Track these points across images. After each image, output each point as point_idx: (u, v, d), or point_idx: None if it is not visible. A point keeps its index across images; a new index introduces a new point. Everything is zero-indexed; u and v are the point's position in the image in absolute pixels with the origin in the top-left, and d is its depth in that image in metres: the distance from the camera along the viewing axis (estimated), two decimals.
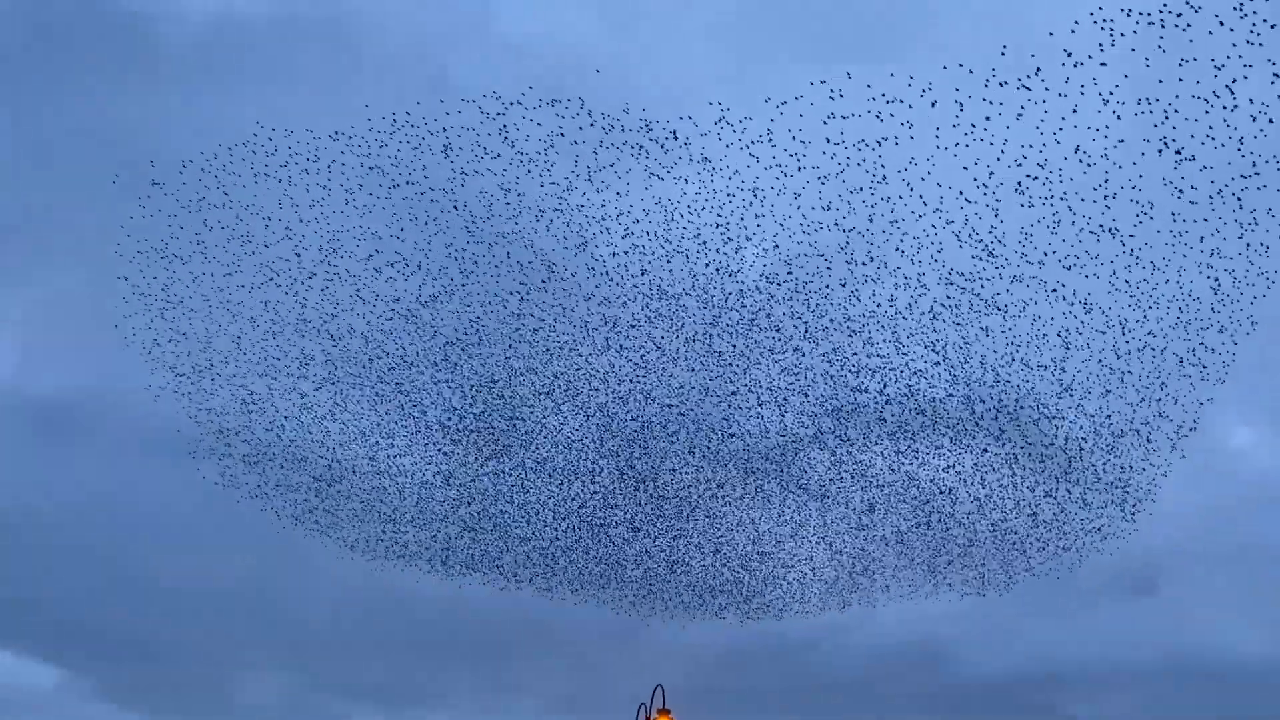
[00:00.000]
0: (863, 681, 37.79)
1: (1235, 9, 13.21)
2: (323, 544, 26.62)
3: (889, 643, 34.96)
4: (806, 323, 19.75)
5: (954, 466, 21.78)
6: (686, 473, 23.38)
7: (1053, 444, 20.19)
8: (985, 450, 21.08)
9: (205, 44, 24.37)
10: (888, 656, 36.13)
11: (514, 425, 24.41)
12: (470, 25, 23.95)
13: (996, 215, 17.58)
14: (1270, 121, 14.31)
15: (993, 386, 20.13)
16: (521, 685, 39.40)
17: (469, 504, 24.81)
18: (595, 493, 23.98)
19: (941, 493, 23.21)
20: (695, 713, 23.58)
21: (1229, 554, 34.44)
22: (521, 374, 23.20)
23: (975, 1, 18.27)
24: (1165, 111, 14.80)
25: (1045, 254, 18.01)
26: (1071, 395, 20.01)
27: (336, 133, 20.77)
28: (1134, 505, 20.71)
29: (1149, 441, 19.67)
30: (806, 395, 21.70)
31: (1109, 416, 19.87)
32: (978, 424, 20.99)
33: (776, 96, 17.46)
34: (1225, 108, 14.39)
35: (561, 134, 19.32)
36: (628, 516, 24.15)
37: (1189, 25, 13.73)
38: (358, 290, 22.52)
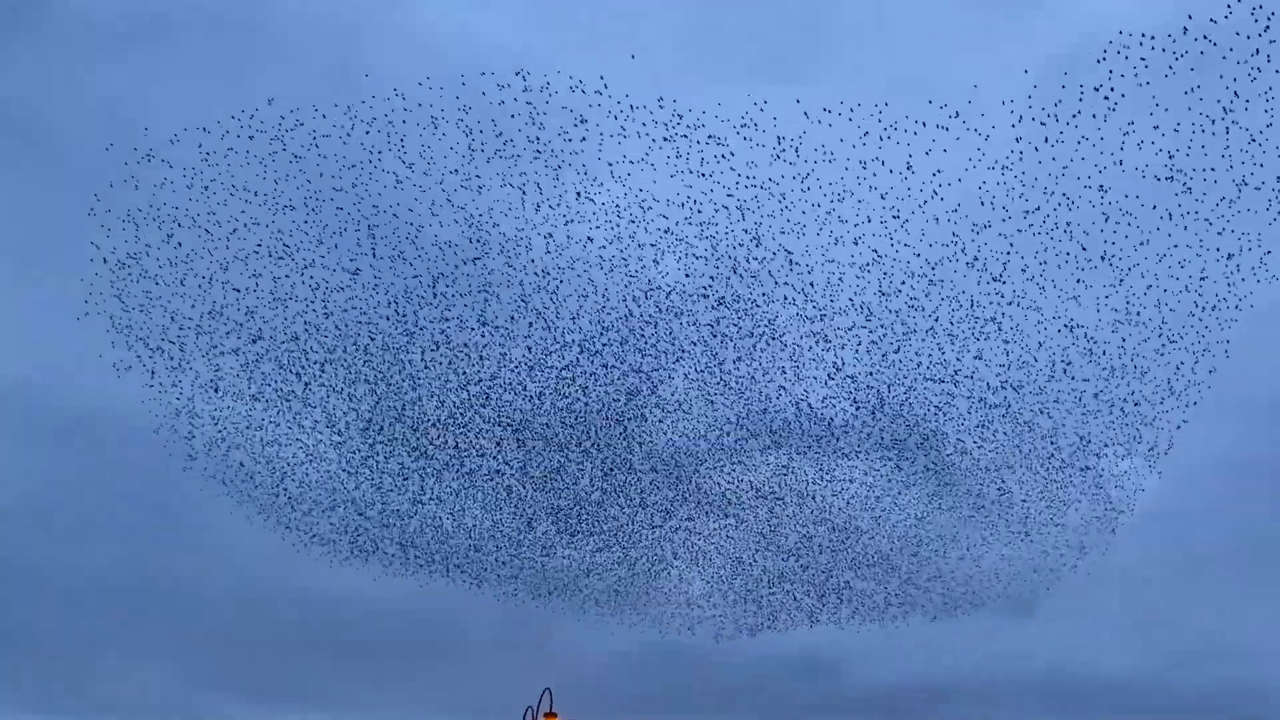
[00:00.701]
0: (754, 689, 38.43)
1: (1244, 35, 14.79)
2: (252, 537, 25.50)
3: (781, 650, 35.62)
4: (816, 333, 20.34)
5: (941, 492, 22.50)
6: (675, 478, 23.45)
7: (1034, 464, 21.13)
8: (972, 471, 21.85)
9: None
10: (779, 664, 36.91)
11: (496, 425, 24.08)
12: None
13: (1010, 244, 18.70)
14: (1261, 149, 15.91)
15: (981, 405, 21.03)
16: (411, 685, 38.17)
17: (440, 501, 24.18)
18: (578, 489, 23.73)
19: (918, 520, 23.85)
20: (585, 717, 23.35)
21: (1107, 575, 36.54)
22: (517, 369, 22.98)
23: (999, 36, 19.72)
24: (1174, 140, 16.25)
25: (1043, 279, 19.18)
26: (1050, 416, 21.07)
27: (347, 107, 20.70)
28: (1113, 522, 21.76)
29: (1126, 461, 20.82)
30: (799, 407, 22.16)
31: (1087, 440, 20.97)
32: (960, 444, 21.81)
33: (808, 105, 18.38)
34: (1226, 134, 15.92)
35: (584, 120, 19.77)
36: (614, 521, 23.90)
37: (1202, 53, 15.26)
38: (354, 274, 22.10)
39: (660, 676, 37.02)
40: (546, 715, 19.17)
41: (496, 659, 36.37)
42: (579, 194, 20.40)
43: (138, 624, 33.98)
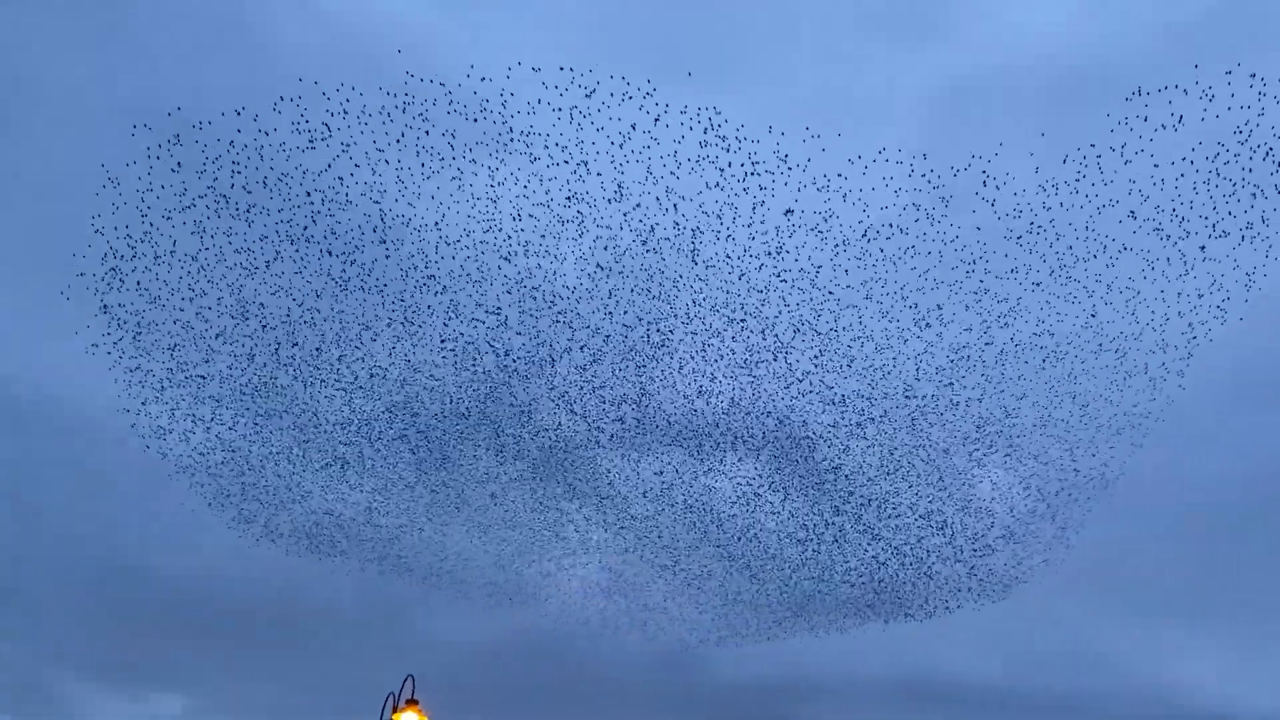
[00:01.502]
0: (619, 681, 38.74)
1: (1240, 103, 16.69)
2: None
3: (647, 644, 36.12)
4: (819, 343, 21.02)
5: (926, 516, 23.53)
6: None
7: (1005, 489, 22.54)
8: (949, 490, 23.01)
9: None
10: (645, 657, 37.45)
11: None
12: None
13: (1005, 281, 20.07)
14: (1236, 186, 17.87)
15: (951, 426, 22.24)
16: (273, 668, 36.37)
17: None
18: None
19: (875, 535, 24.76)
20: (450, 706, 23.10)
21: (972, 585, 38.93)
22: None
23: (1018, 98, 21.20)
24: (1169, 193, 18.02)
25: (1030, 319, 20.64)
26: (1016, 448, 22.54)
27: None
28: (1069, 541, 23.35)
29: (1079, 491, 22.49)
30: (786, 420, 22.73)
31: (1048, 463, 22.51)
32: (934, 464, 22.94)
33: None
34: (1211, 186, 17.79)
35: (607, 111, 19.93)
36: (582, 517, 23.57)
37: (1201, 119, 17.08)
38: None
39: (526, 667, 36.73)
40: (408, 702, 18.30)
41: (361, 644, 35.30)
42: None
43: None
